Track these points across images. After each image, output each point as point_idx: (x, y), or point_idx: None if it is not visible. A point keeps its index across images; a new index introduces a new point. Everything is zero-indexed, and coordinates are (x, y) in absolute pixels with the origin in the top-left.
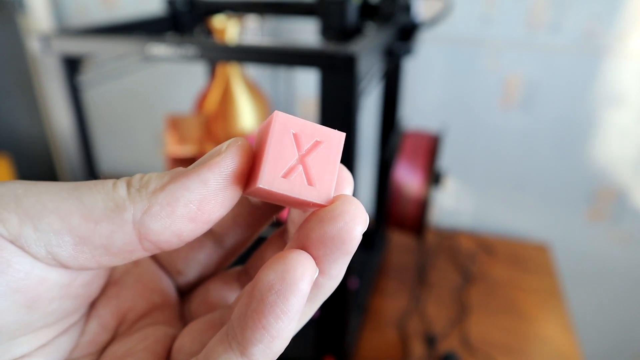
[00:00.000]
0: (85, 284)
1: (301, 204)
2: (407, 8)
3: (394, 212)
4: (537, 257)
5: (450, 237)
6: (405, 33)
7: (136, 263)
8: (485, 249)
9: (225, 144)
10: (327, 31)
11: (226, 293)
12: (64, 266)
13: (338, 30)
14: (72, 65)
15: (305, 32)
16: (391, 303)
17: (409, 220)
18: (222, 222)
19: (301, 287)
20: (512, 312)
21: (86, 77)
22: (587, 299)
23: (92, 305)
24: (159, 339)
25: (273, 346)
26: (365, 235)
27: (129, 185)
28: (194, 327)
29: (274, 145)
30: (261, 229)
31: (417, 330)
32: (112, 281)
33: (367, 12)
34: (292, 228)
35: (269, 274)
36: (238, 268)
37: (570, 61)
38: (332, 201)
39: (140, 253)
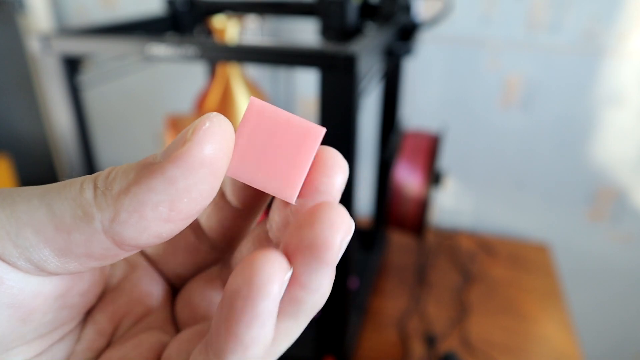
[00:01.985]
0: (82, 293)
1: (271, 194)
2: (407, 8)
3: (394, 212)
4: (537, 257)
5: (450, 237)
6: (405, 33)
7: (133, 267)
8: (485, 249)
9: (190, 129)
10: (327, 31)
11: (209, 292)
12: (56, 275)
13: (338, 30)
14: (72, 65)
15: (305, 32)
16: (391, 303)
17: (409, 220)
18: (210, 226)
19: (269, 290)
20: (512, 312)
21: (86, 77)
22: (587, 299)
23: (90, 314)
24: (152, 345)
25: (249, 354)
26: (365, 235)
27: (95, 186)
28: (182, 337)
29: (246, 133)
30: (250, 228)
31: (417, 330)
32: (109, 287)
33: (367, 12)
34: (274, 214)
35: (236, 279)
36: (219, 265)
37: (570, 61)
38: (302, 197)
39: (125, 254)
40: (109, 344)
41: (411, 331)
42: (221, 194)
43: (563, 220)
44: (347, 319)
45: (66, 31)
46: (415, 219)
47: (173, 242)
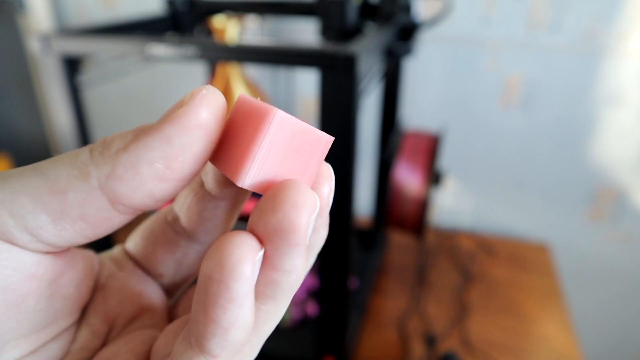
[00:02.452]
0: (75, 283)
1: None
2: (407, 8)
3: (394, 212)
4: (537, 257)
5: (450, 237)
6: (405, 33)
7: (121, 267)
8: (485, 248)
9: (187, 95)
10: (327, 31)
11: None
12: (52, 246)
13: (338, 30)
14: (72, 65)
15: (305, 32)
16: (391, 303)
17: (409, 221)
18: (190, 219)
19: (241, 271)
20: (512, 312)
21: (86, 77)
22: (587, 299)
23: (83, 313)
24: (144, 340)
25: (229, 337)
26: (365, 235)
27: (91, 150)
28: (169, 328)
29: (265, 145)
30: (232, 222)
31: (417, 330)
32: (99, 286)
33: (367, 12)
34: None
35: (208, 262)
36: None
37: (570, 61)
38: None
39: (119, 218)
40: (104, 344)
41: (411, 331)
42: (201, 184)
43: (563, 220)
44: (347, 320)
45: (66, 31)
46: (415, 219)
47: (152, 239)
